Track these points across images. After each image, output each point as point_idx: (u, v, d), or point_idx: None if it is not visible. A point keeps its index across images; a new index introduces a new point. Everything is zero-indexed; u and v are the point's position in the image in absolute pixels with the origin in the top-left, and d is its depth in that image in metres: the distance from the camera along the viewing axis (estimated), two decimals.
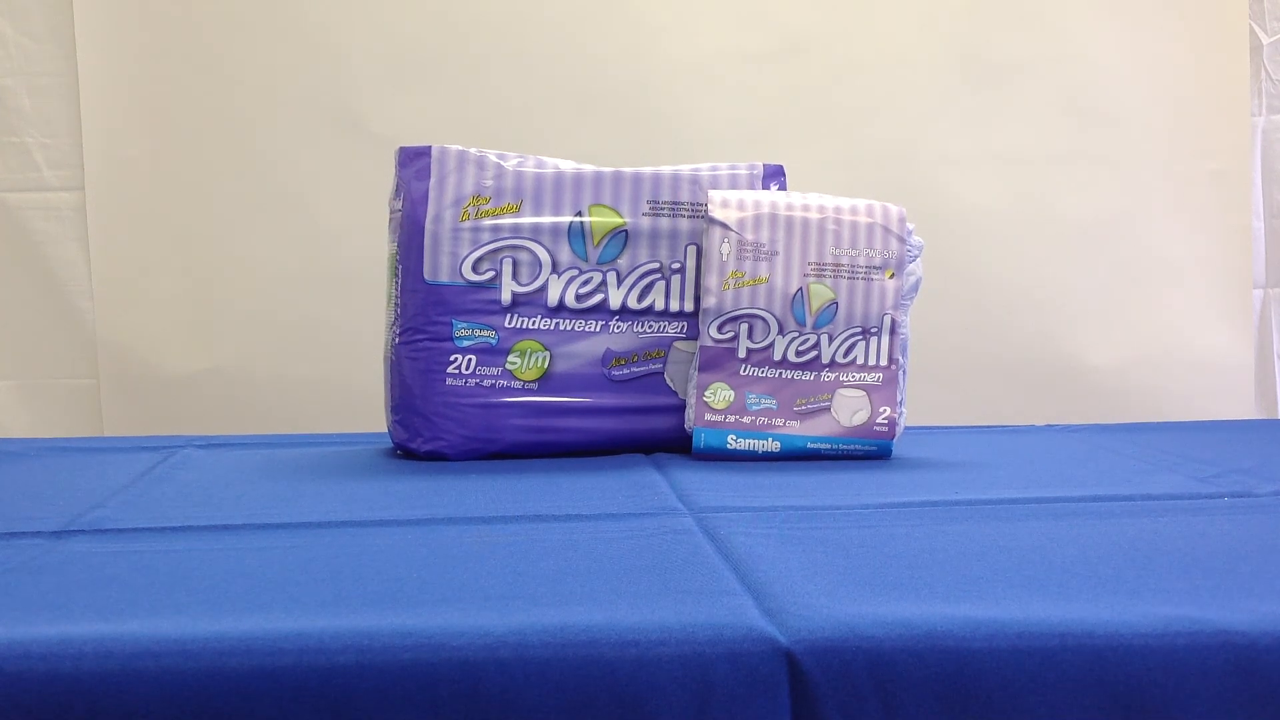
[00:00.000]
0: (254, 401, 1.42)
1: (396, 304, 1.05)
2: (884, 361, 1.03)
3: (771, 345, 1.03)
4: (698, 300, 1.05)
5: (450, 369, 1.03)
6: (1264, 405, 1.52)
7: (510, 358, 1.04)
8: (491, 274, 1.03)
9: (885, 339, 1.03)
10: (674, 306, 1.06)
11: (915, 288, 1.05)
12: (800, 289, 1.02)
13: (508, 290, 1.04)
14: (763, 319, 1.02)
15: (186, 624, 0.53)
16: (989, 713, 0.53)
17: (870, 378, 1.03)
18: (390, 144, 1.08)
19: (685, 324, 1.07)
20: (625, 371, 1.06)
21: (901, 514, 0.80)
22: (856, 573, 0.63)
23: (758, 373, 1.03)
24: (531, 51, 1.40)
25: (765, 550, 0.68)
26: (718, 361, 1.03)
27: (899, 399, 1.04)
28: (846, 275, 1.02)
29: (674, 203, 1.06)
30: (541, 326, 1.04)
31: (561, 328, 1.05)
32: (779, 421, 1.03)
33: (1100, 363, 1.49)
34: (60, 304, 1.42)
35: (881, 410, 1.03)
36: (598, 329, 1.05)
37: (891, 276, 1.03)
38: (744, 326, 1.02)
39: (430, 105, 1.40)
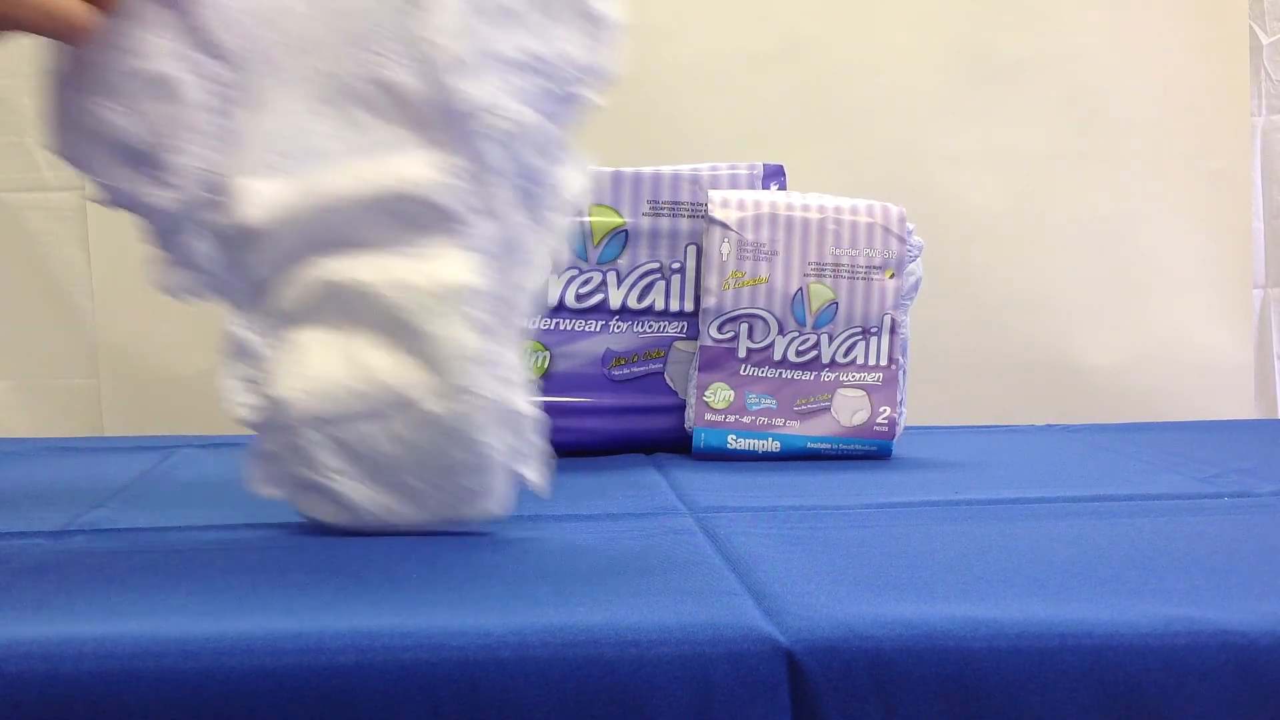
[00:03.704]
0: None
1: None
2: (884, 361, 1.03)
3: (771, 345, 1.03)
4: (698, 300, 1.05)
5: None
6: (1264, 405, 1.52)
7: None
8: None
9: (885, 339, 1.03)
10: (674, 306, 1.06)
11: (915, 288, 1.05)
12: (800, 289, 1.02)
13: None
14: (763, 319, 1.02)
15: (186, 624, 0.53)
16: (989, 712, 0.53)
17: (870, 378, 1.03)
18: None
19: (685, 324, 1.07)
20: (625, 371, 1.06)
21: (901, 514, 0.80)
22: (856, 573, 0.63)
23: (758, 373, 1.03)
24: None
25: (765, 550, 0.68)
26: (718, 361, 1.03)
27: (899, 399, 1.04)
28: (846, 275, 1.02)
29: (674, 203, 1.06)
30: (541, 326, 1.04)
31: (561, 327, 1.05)
32: (779, 421, 1.03)
33: (1100, 363, 1.49)
34: (60, 304, 1.42)
35: (881, 410, 1.03)
36: (598, 329, 1.05)
37: (891, 276, 1.03)
38: (744, 326, 1.02)
39: None
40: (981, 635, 0.53)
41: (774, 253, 1.02)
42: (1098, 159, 1.48)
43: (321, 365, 0.68)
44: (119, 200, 0.72)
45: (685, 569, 0.64)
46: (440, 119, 0.67)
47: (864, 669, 0.53)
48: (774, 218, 1.02)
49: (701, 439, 1.04)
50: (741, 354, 1.03)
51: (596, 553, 0.68)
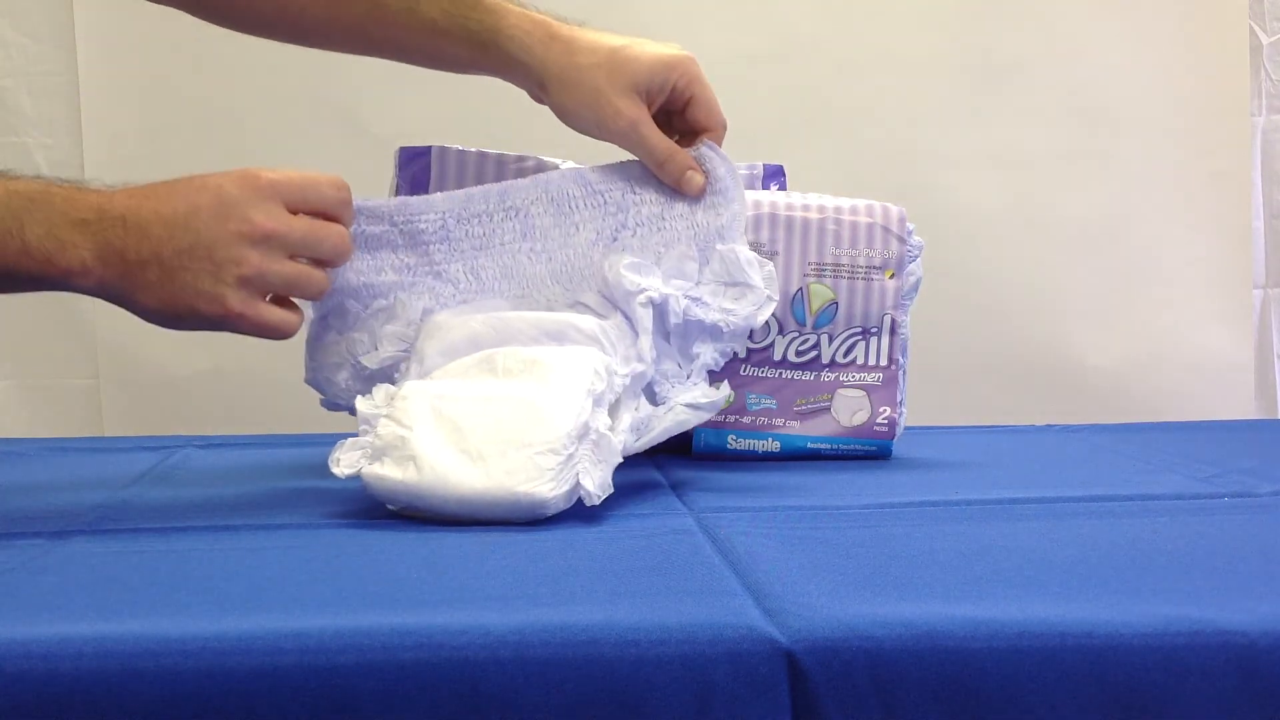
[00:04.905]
0: (254, 401, 1.42)
1: None
2: (884, 361, 1.03)
3: (771, 345, 1.03)
4: None
5: None
6: (1264, 405, 1.53)
7: None
8: None
9: (885, 339, 1.03)
10: None
11: (915, 288, 1.05)
12: (800, 289, 1.02)
13: None
14: None
15: (186, 624, 0.53)
16: (989, 713, 0.53)
17: (870, 378, 1.03)
18: (390, 144, 1.08)
19: None
20: None
21: (901, 514, 0.80)
22: (856, 573, 0.63)
23: (758, 373, 1.03)
24: None
25: (765, 550, 0.68)
26: None
27: (899, 399, 1.04)
28: (846, 275, 1.02)
29: None
30: None
31: None
32: (779, 421, 1.03)
33: (1100, 363, 1.49)
34: (60, 304, 1.42)
35: (881, 410, 1.03)
36: None
37: (891, 276, 1.03)
38: None
39: (430, 105, 1.40)
40: (981, 635, 0.53)
41: (774, 253, 1.02)
42: (1098, 159, 1.48)
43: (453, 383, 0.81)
44: (339, 403, 0.90)
45: (685, 569, 0.64)
46: (609, 304, 0.87)
47: (864, 669, 0.53)
48: (774, 218, 1.02)
49: (701, 439, 1.04)
50: (741, 354, 1.03)
51: (596, 553, 0.68)
